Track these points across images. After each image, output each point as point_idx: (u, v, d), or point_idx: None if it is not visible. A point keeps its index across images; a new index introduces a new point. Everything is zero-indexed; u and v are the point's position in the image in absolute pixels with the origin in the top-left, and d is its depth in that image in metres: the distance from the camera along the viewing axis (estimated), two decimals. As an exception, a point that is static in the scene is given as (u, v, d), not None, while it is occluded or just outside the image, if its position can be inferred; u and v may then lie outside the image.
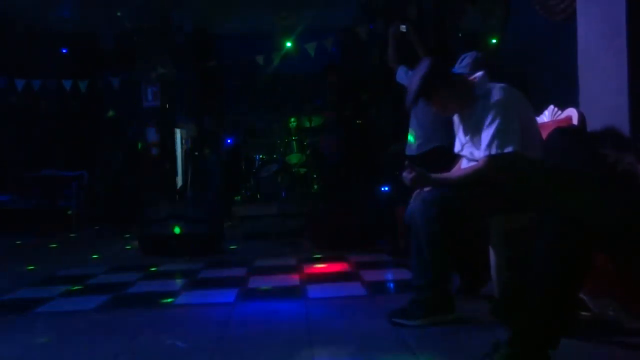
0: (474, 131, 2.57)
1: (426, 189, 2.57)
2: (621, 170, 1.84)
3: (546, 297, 1.66)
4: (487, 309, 2.54)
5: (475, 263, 2.90)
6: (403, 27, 4.28)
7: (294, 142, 7.00)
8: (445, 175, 2.64)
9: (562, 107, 2.94)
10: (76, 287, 3.69)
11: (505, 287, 2.52)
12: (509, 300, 1.79)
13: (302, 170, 6.98)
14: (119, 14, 7.36)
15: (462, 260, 2.88)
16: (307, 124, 7.30)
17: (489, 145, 2.45)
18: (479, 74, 2.67)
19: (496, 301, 2.55)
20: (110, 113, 8.32)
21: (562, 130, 2.74)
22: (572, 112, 2.83)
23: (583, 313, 2.24)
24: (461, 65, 3.20)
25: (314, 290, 3.34)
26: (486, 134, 2.47)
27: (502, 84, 2.56)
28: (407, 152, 4.46)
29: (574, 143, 2.74)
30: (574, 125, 2.78)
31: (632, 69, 2.61)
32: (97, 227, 6.87)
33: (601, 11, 2.80)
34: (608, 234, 1.63)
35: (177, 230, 4.80)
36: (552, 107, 2.99)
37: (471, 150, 2.61)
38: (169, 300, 3.24)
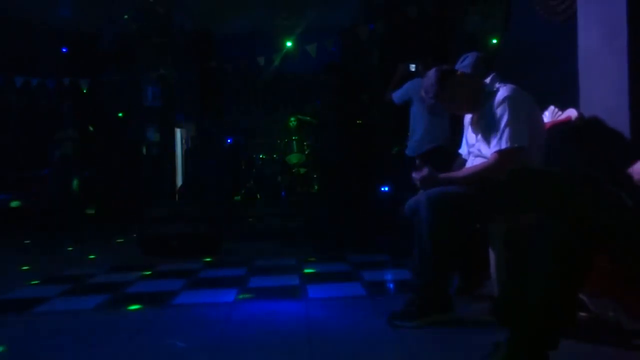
0: (483, 129, 2.60)
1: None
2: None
3: (546, 297, 1.65)
4: (487, 309, 2.54)
5: (475, 263, 2.90)
6: (412, 67, 4.44)
7: (294, 142, 6.99)
8: (454, 173, 2.65)
9: (562, 107, 2.94)
10: (76, 287, 3.69)
11: (505, 287, 2.51)
12: (509, 300, 1.78)
13: (302, 170, 6.98)
14: (125, 17, 7.36)
15: (461, 260, 2.88)
16: (307, 124, 7.31)
17: (498, 141, 2.49)
18: (490, 75, 2.70)
19: (496, 301, 2.54)
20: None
21: (562, 130, 2.75)
22: (572, 112, 2.83)
23: (583, 313, 2.24)
24: (462, 65, 3.21)
25: (314, 290, 3.34)
26: (495, 131, 2.50)
27: (511, 84, 2.58)
28: (407, 153, 4.48)
29: (573, 143, 2.74)
30: (573, 125, 2.78)
31: (632, 69, 2.61)
32: (96, 227, 6.87)
33: (602, 12, 2.80)
34: (608, 234, 1.62)
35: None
36: (552, 107, 2.99)
37: (480, 148, 2.63)
38: (169, 300, 3.24)
